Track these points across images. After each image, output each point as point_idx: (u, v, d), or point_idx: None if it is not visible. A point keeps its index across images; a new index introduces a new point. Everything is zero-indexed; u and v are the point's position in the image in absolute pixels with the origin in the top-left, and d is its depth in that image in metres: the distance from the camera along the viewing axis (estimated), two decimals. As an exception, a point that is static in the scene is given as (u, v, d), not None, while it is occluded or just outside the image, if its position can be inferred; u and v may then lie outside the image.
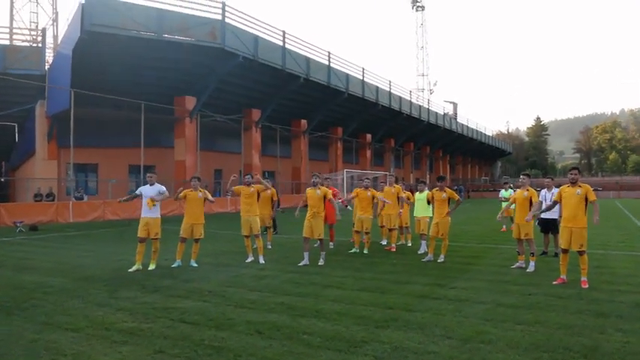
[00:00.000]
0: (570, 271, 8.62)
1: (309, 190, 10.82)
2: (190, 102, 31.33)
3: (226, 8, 27.58)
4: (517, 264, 10.06)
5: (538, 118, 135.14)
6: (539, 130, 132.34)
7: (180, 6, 26.27)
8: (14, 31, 40.35)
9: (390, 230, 13.00)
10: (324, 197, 10.67)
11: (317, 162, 45.10)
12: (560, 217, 8.99)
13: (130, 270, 9.73)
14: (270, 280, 8.80)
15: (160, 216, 10.17)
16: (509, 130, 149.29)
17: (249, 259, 11.09)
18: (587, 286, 8.10)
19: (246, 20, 29.63)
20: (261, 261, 10.84)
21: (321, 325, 5.99)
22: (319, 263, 10.51)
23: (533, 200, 9.90)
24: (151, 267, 9.94)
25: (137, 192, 10.33)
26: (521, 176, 10.22)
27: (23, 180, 31.94)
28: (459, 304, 6.97)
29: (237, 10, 28.94)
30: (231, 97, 34.49)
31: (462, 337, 5.49)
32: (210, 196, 10.60)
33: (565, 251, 8.52)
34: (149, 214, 9.96)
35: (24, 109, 29.34)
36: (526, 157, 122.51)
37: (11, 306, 7.07)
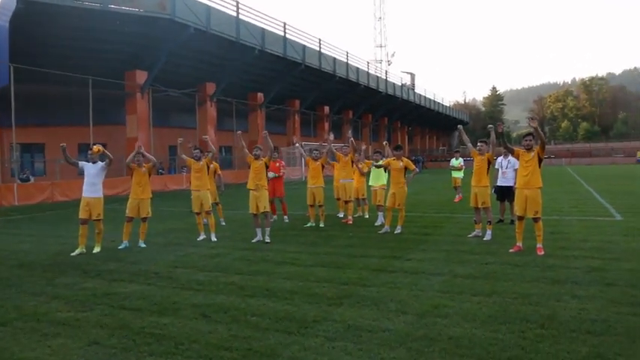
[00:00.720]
0: (526, 238, 8.58)
1: (252, 161, 10.14)
2: (141, 76, 30.09)
3: (175, -23, 26.33)
4: (474, 233, 9.98)
5: (494, 88, 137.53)
6: (495, 99, 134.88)
7: (126, -25, 24.94)
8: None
9: (346, 202, 12.76)
10: (266, 167, 10.18)
11: (275, 135, 44.22)
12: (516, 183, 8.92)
13: (72, 254, 9.17)
14: (221, 259, 8.43)
15: (102, 195, 9.58)
16: (466, 100, 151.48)
17: (201, 237, 10.68)
18: (542, 252, 8.05)
19: (197, -10, 28.47)
20: (213, 238, 10.47)
21: (272, 305, 5.69)
22: (265, 240, 9.98)
23: (490, 161, 9.76)
24: (95, 250, 9.39)
25: (80, 165, 9.61)
26: (478, 143, 10.07)
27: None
28: (415, 277, 6.78)
29: (186, -21, 27.69)
30: (184, 71, 33.31)
31: (418, 312, 5.28)
32: (153, 169, 10.07)
33: (521, 218, 8.45)
34: (90, 194, 9.37)
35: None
36: (483, 126, 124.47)
37: None
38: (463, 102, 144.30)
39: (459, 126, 11.89)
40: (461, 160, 17.77)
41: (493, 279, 6.57)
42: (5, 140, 26.93)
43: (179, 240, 10.69)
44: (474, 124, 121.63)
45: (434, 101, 77.76)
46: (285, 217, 13.18)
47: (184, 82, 33.76)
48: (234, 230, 11.93)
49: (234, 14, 31.39)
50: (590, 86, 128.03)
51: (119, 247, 9.73)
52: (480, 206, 9.78)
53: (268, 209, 10.18)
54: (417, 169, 11.33)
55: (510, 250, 8.37)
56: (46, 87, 27.14)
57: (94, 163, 9.49)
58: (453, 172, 18.08)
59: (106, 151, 9.62)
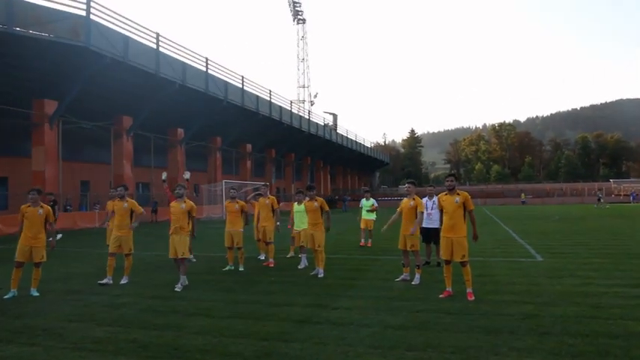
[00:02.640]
0: (455, 282, 8.21)
1: (173, 204, 9.51)
2: (51, 106, 28.11)
3: (92, 4, 25.03)
4: (402, 276, 9.54)
5: (412, 131, 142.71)
6: (414, 142, 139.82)
7: (36, -4, 23.38)
8: None
9: (267, 244, 12.03)
10: (189, 212, 9.44)
11: (196, 172, 42.94)
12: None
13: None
14: (125, 310, 7.41)
15: None
16: (386, 142, 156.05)
17: (104, 281, 9.62)
18: (473, 298, 7.70)
19: (115, 19, 27.30)
20: (124, 281, 9.64)
21: (179, 369, 4.85)
22: (175, 289, 8.97)
23: (419, 210, 9.45)
24: None
25: None
26: (406, 184, 9.74)
27: None
28: (342, 329, 6.14)
29: (104, 7, 26.50)
30: (99, 102, 31.53)
31: (348, 374, 4.64)
32: (51, 216, 8.91)
33: (448, 262, 8.11)
34: None
35: None
36: (402, 167, 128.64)
37: None
38: (383, 143, 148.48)
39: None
40: (373, 200, 16.29)
41: (427, 329, 6.06)
42: None
43: (81, 286, 9.49)
44: (394, 164, 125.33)
45: (355, 142, 79.12)
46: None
47: (99, 113, 32.04)
48: (146, 275, 10.83)
49: (154, 46, 30.36)
50: (499, 131, 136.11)
51: (5, 297, 8.44)
52: (408, 249, 9.39)
53: (187, 255, 9.36)
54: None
55: (440, 296, 7.95)
56: None
57: None
58: (364, 214, 16.01)
59: None
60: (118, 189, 10.15)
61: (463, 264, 7.91)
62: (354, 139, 78.12)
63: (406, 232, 9.42)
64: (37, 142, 28.37)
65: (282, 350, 5.35)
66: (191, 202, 9.65)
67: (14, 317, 7.13)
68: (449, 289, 8.07)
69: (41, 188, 9.47)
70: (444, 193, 8.33)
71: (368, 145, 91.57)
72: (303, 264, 11.35)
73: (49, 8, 23.69)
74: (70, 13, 24.34)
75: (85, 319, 6.89)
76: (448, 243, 8.02)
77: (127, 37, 27.97)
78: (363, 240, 15.89)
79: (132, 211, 9.99)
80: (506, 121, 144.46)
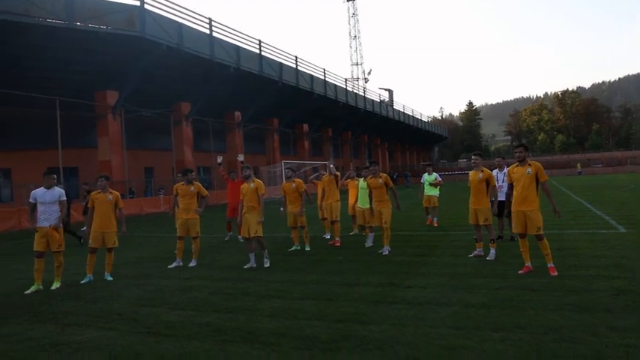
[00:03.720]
0: (532, 256, 7.71)
1: (243, 185, 9.52)
2: (112, 97, 28.97)
3: (145, -7, 25.44)
4: (475, 252, 9.10)
5: (470, 103, 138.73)
6: (472, 114, 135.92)
7: (93, -10, 23.94)
8: None
9: (333, 222, 11.80)
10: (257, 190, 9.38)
11: (254, 155, 43.48)
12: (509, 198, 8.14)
13: (26, 292, 8.05)
14: (195, 294, 7.37)
15: (61, 224, 8.50)
16: (444, 116, 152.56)
17: (173, 265, 9.78)
18: (556, 273, 7.21)
19: (169, 7, 27.60)
20: (192, 264, 9.74)
21: (255, 354, 4.69)
22: (265, 265, 9.23)
23: (490, 183, 8.96)
24: (55, 285, 8.27)
25: (31, 200, 8.55)
26: (473, 156, 9.26)
27: None
28: (420, 309, 5.83)
29: (158, -4, 26.82)
30: (158, 90, 32.25)
31: (433, 358, 4.34)
32: (121, 202, 8.99)
33: (523, 236, 7.63)
34: (46, 223, 8.29)
35: None
36: (461, 141, 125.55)
37: None
38: (440, 117, 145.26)
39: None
40: (436, 175, 15.11)
41: (511, 308, 5.66)
42: (-32, 166, 25.52)
43: (150, 271, 9.61)
44: (453, 138, 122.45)
45: (412, 117, 77.65)
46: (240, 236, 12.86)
47: (158, 101, 32.74)
48: (213, 257, 10.88)
49: (208, 32, 30.52)
50: (563, 99, 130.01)
51: (81, 282, 8.65)
52: (481, 223, 8.93)
53: (260, 233, 9.27)
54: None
55: (520, 272, 7.49)
56: (9, 109, 25.85)
57: (48, 188, 8.42)
58: (427, 190, 14.90)
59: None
60: (188, 175, 10.15)
61: (539, 237, 7.41)
62: (410, 114, 76.70)
63: (476, 205, 8.97)
64: (102, 132, 29.33)
65: (360, 333, 5.10)
66: (260, 181, 9.61)
67: (91, 302, 7.24)
68: (528, 264, 7.60)
69: (108, 175, 9.59)
70: (514, 164, 7.82)
71: (425, 119, 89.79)
72: (369, 242, 11.07)
73: (105, 1, 24.22)
74: (125, 5, 24.82)
75: (157, 304, 6.89)
76: (520, 216, 7.55)
77: (181, 24, 28.23)
78: (429, 217, 14.95)
79: (199, 195, 10.00)
80: (570, 89, 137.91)
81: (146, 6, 25.44)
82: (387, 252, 9.81)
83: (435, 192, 14.83)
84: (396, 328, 5.20)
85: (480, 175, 8.98)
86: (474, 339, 4.72)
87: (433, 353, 4.44)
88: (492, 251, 8.74)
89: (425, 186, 14.92)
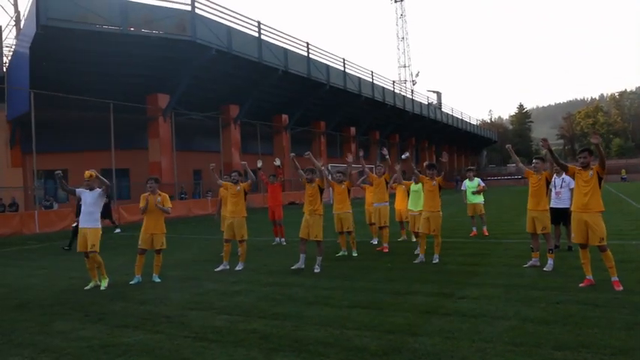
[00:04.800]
0: (593, 268, 7.27)
1: (307, 186, 9.51)
2: (163, 100, 29.58)
3: (195, -2, 25.88)
4: (531, 262, 8.69)
5: (521, 106, 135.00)
6: (523, 117, 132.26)
7: (146, -4, 24.55)
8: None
9: (381, 228, 11.54)
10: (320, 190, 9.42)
11: (300, 158, 43.50)
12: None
13: (85, 288, 8.24)
14: (242, 298, 7.31)
15: (99, 226, 8.64)
16: (493, 119, 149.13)
17: (220, 268, 9.81)
18: (621, 287, 6.76)
19: (218, 11, 27.99)
20: (239, 267, 9.75)
21: (302, 364, 4.55)
22: (314, 270, 9.15)
23: (549, 180, 8.54)
24: (90, 285, 8.43)
25: (77, 192, 8.75)
26: (534, 160, 8.87)
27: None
28: (474, 322, 5.56)
29: (207, 1, 27.25)
30: (207, 94, 32.77)
31: (491, 376, 4.09)
32: (167, 204, 9.03)
33: (584, 246, 7.20)
34: (85, 224, 8.47)
35: (-16, 115, 27.46)
36: (511, 144, 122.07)
37: None
38: (489, 120, 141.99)
39: (508, 145, 10.43)
40: (478, 180, 13.99)
41: (573, 324, 5.32)
42: (28, 167, 26.50)
43: (197, 273, 9.63)
44: (502, 142, 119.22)
45: (461, 120, 76.22)
46: (283, 239, 13.52)
47: (207, 104, 33.21)
48: (260, 261, 10.83)
49: (256, 35, 30.80)
50: (620, 101, 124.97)
51: (130, 282, 8.75)
52: (539, 232, 8.52)
53: (320, 238, 9.24)
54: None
55: (581, 285, 7.07)
56: (66, 112, 26.76)
57: (91, 190, 8.59)
58: (470, 197, 13.86)
59: (100, 177, 8.68)
60: (232, 174, 10.16)
61: (602, 249, 6.98)
62: (459, 117, 75.31)
63: (535, 209, 8.54)
64: (153, 134, 29.97)
65: (411, 345, 4.88)
66: (320, 180, 9.54)
67: (139, 303, 7.28)
68: (589, 276, 7.17)
69: (158, 177, 9.69)
70: (578, 168, 7.40)
71: (474, 122, 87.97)
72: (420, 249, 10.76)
73: (157, 6, 24.72)
74: (177, 9, 25.29)
75: (204, 307, 6.86)
76: (581, 224, 7.10)
77: (230, 28, 28.56)
78: (474, 229, 13.78)
79: (245, 194, 9.99)
80: (628, 90, 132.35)
81: (197, 10, 25.88)
82: (437, 260, 9.50)
83: (479, 199, 13.85)
84: (449, 341, 4.96)
85: (539, 176, 8.60)
86: (534, 357, 4.44)
87: (491, 371, 4.19)
88: (550, 262, 8.32)
89: (467, 193, 13.92)
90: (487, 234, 13.43)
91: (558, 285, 7.18)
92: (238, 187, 9.95)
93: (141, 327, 6.03)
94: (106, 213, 14.91)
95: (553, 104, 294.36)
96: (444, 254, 9.99)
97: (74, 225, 14.19)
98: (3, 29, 27.95)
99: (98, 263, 8.46)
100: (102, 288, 8.35)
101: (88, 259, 8.45)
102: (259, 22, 31.13)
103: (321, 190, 9.44)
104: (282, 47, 33.29)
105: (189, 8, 25.54)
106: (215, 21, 27.47)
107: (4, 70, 26.06)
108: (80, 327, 6.15)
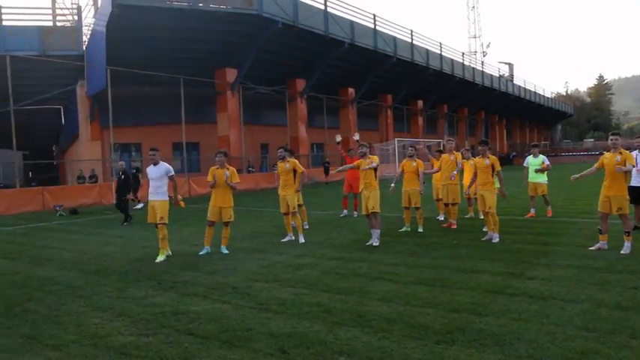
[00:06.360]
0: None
1: (360, 162, 9.68)
2: (231, 74, 30.06)
3: (263, -28, 25.93)
4: (597, 244, 8.17)
5: (601, 77, 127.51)
6: (602, 89, 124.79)
7: (214, -28, 24.84)
8: (57, 12, 40.23)
9: (449, 205, 11.31)
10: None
11: (367, 131, 43.18)
12: None
13: (156, 261, 8.62)
14: (307, 271, 7.41)
15: (167, 198, 8.97)
16: (569, 91, 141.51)
17: (286, 239, 10.15)
18: None
19: (285, -16, 27.91)
20: (301, 240, 9.95)
21: (365, 339, 4.57)
22: (373, 243, 9.30)
23: (628, 162, 7.95)
24: (159, 259, 8.71)
25: (147, 171, 9.13)
26: (611, 136, 8.31)
27: (71, 162, 31.90)
28: (543, 304, 5.38)
29: (273, -26, 27.22)
30: (274, 67, 33.04)
31: (560, 360, 3.96)
32: (235, 178, 9.19)
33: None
34: (153, 197, 8.84)
35: (67, 91, 28.89)
36: (588, 118, 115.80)
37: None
38: (565, 93, 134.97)
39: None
40: (543, 157, 12.62)
41: (652, 311, 5.04)
42: (106, 140, 27.80)
43: (264, 246, 9.85)
44: (579, 116, 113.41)
45: (534, 93, 73.00)
46: (355, 212, 13.69)
47: (274, 78, 33.50)
48: (325, 234, 10.94)
49: (322, 7, 30.56)
50: None
51: (200, 253, 9.09)
52: (614, 212, 8.03)
53: (377, 209, 9.36)
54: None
55: (662, 268, 6.68)
56: (140, 88, 27.74)
57: (155, 164, 8.92)
58: (532, 175, 12.66)
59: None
60: (279, 150, 10.39)
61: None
62: (532, 89, 72.15)
63: (611, 192, 8.04)
64: (221, 108, 30.60)
65: (477, 325, 4.79)
66: (375, 156, 9.70)
67: (208, 273, 7.54)
68: (672, 260, 6.75)
69: (226, 151, 9.92)
70: None
71: (548, 95, 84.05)
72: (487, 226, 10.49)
73: (225, -19, 24.97)
74: (244, -16, 25.45)
75: (270, 279, 7.01)
76: None
77: (296, 1, 28.47)
78: (532, 210, 12.67)
79: (294, 171, 10.20)
80: None
81: (263, -16, 25.94)
82: (496, 239, 9.21)
83: (542, 178, 12.59)
84: (516, 323, 4.83)
85: (618, 157, 8.00)
86: (608, 344, 4.24)
87: (560, 355, 4.04)
88: (627, 244, 7.85)
89: (529, 170, 12.77)
90: (550, 215, 12.42)
91: (636, 269, 6.80)
92: (287, 165, 10.19)
93: (209, 296, 6.26)
94: (129, 188, 15.53)
95: (637, 74, 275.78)
96: (513, 232, 9.72)
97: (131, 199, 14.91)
98: (82, 9, 28.97)
99: (163, 235, 8.79)
100: (157, 260, 8.61)
101: (157, 230, 8.83)
102: (325, -6, 30.85)
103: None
104: (349, 19, 32.90)
105: (255, -19, 25.64)
106: (281, -6, 27.47)
107: (84, 48, 27.20)
108: (153, 294, 6.46)
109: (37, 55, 24.86)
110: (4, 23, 26.31)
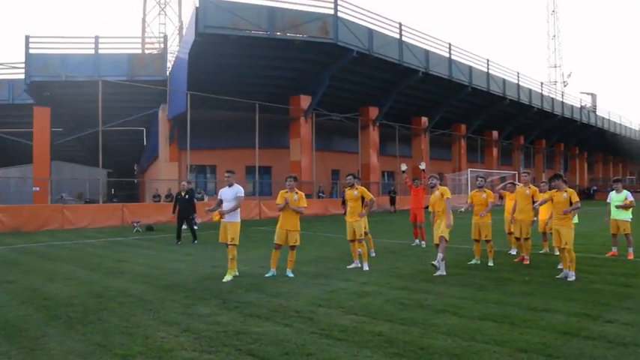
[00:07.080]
0: None
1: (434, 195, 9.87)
2: (305, 101, 30.70)
3: (338, 1, 26.54)
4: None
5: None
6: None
7: (291, 2, 25.66)
8: (146, 41, 42.93)
9: (522, 239, 10.85)
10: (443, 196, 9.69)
11: (439, 161, 42.71)
12: None
13: (223, 280, 8.80)
14: (371, 300, 7.31)
15: (239, 220, 9.21)
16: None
17: (352, 266, 10.16)
18: None
19: (360, 13, 28.40)
20: (365, 268, 9.92)
21: (426, 373, 4.43)
22: (436, 267, 9.28)
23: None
24: (226, 278, 8.88)
25: (219, 197, 9.41)
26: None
27: (149, 181, 33.46)
28: (623, 350, 5.01)
29: (349, 3, 27.80)
30: (347, 95, 33.47)
31: (639, 412, 3.66)
32: (302, 203, 9.30)
33: None
34: (227, 218, 9.06)
35: (149, 114, 30.58)
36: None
37: (77, 318, 6.33)
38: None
39: None
40: (627, 194, 11.82)
41: None
42: (183, 161, 29.01)
43: (329, 271, 9.84)
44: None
45: (620, 125, 69.39)
46: (423, 242, 13.77)
47: (347, 105, 33.88)
48: (391, 263, 10.80)
49: (397, 36, 30.70)
50: None
51: (265, 275, 9.20)
52: None
53: (445, 234, 9.42)
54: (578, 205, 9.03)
55: None
56: (217, 112, 28.86)
57: (229, 186, 9.19)
58: (614, 212, 11.84)
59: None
60: (347, 177, 10.43)
61: None
62: (617, 121, 68.63)
63: None
64: (294, 134, 31.23)
65: (546, 367, 4.54)
66: (444, 187, 9.80)
67: (272, 296, 7.61)
68: None
69: (297, 176, 10.09)
70: None
71: (636, 128, 79.58)
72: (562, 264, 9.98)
73: (301, 11, 25.69)
74: (320, 13, 26.10)
75: (333, 305, 6.97)
76: None
77: (371, 30, 28.81)
78: (614, 248, 11.82)
79: (362, 199, 10.17)
80: None
81: (339, 13, 26.47)
82: (572, 277, 8.70)
83: (625, 215, 11.75)
84: (591, 368, 4.53)
85: None
86: (694, 397, 3.89)
87: (639, 407, 3.75)
88: None
89: (611, 207, 11.94)
90: (631, 257, 11.28)
91: None
92: (355, 192, 10.19)
93: (272, 318, 6.30)
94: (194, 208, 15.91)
95: None
96: (592, 271, 9.20)
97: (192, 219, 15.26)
98: (168, 38, 30.74)
99: (232, 255, 8.98)
100: (224, 280, 8.77)
101: (227, 250, 9.06)
102: (400, 24, 31.02)
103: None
104: (423, 48, 32.84)
105: (332, 11, 26.22)
106: (356, 23, 27.91)
107: (168, 74, 28.77)
108: (217, 312, 6.59)
109: (126, 80, 26.52)
110: (100, 52, 28.31)
